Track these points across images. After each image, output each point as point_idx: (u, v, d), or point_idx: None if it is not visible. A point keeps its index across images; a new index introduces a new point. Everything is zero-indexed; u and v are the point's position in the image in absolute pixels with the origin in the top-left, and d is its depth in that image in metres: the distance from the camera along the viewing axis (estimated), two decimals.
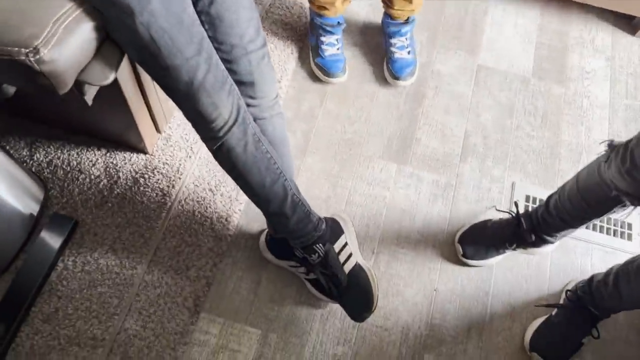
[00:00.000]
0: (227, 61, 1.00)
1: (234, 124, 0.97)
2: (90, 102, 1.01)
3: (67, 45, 0.88)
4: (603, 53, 1.72)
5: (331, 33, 1.52)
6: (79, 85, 0.96)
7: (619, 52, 1.72)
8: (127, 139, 1.34)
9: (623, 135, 1.54)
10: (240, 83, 1.02)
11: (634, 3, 1.63)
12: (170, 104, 1.37)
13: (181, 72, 0.91)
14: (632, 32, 1.75)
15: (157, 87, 1.24)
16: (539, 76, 1.65)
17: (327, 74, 1.53)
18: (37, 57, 0.84)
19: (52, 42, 0.86)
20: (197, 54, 0.92)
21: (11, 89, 1.00)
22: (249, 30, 1.02)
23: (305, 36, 1.62)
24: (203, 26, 0.97)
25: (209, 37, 0.98)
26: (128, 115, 1.22)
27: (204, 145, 1.39)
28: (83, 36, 0.91)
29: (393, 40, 1.54)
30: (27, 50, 0.84)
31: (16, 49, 0.83)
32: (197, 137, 1.39)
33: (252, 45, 1.02)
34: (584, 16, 1.78)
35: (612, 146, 0.97)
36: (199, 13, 0.97)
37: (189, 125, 1.40)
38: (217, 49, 0.99)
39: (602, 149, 1.01)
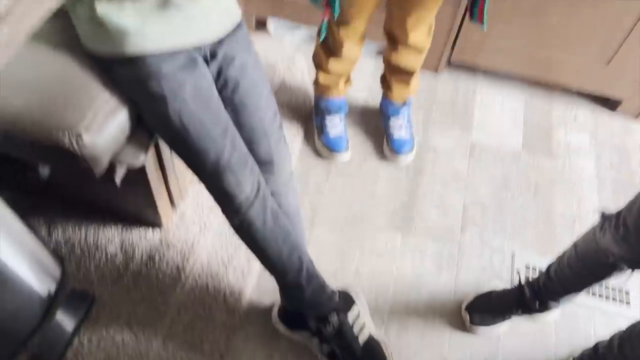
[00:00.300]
0: (247, 142, 1.09)
1: (254, 199, 1.04)
2: (119, 183, 1.08)
3: (105, 131, 0.96)
4: (586, 129, 1.85)
5: (334, 114, 1.63)
6: (111, 166, 1.04)
7: (600, 127, 1.85)
8: (144, 216, 1.40)
9: (612, 205, 1.63)
10: (259, 161, 1.10)
11: (610, 86, 1.79)
12: (186, 179, 1.45)
13: (209, 153, 0.99)
14: (612, 108, 1.89)
15: (175, 163, 1.32)
16: (529, 151, 1.76)
17: (332, 152, 1.62)
18: (80, 142, 0.92)
19: (93, 128, 0.94)
20: (223, 136, 1.01)
21: (47, 171, 1.07)
22: (267, 114, 1.12)
23: (310, 117, 1.73)
24: (226, 111, 1.06)
25: (232, 120, 1.07)
26: (148, 193, 1.28)
27: (216, 219, 1.47)
28: (119, 122, 0.99)
29: (392, 120, 1.65)
30: (71, 136, 0.92)
31: (60, 134, 0.91)
32: (210, 211, 1.48)
33: (271, 127, 1.12)
34: (565, 96, 1.92)
35: (605, 216, 1.05)
36: (223, 100, 1.07)
37: (202, 200, 1.49)
38: (239, 131, 1.08)
39: (595, 218, 1.08)
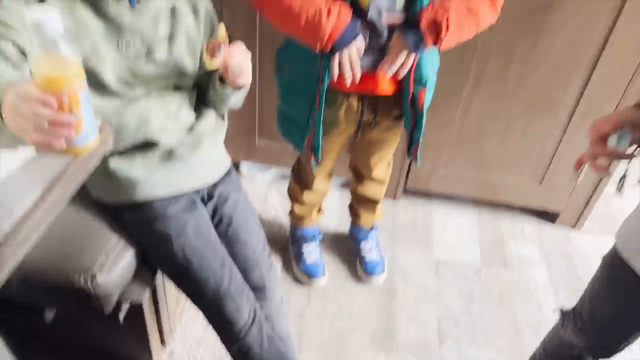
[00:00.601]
0: (242, 270, 1.20)
1: (252, 325, 1.13)
2: (122, 320, 1.15)
3: (115, 270, 1.06)
4: (533, 241, 2.06)
5: (310, 242, 1.78)
6: (117, 304, 1.11)
7: (546, 238, 2.07)
8: (134, 356, 1.42)
9: (569, 305, 1.78)
10: (253, 288, 1.20)
11: (547, 202, 2.05)
12: (176, 315, 1.51)
13: (209, 282, 1.10)
14: (552, 220, 2.13)
15: (168, 300, 1.40)
16: (487, 265, 1.93)
17: (310, 278, 1.74)
18: (95, 282, 1.01)
19: (105, 268, 1.04)
20: (222, 266, 1.12)
21: (51, 315, 1.13)
22: (258, 245, 1.25)
23: (286, 247, 1.87)
24: (222, 244, 1.19)
25: (227, 252, 1.19)
26: (142, 332, 1.33)
27: (205, 353, 1.50)
28: (126, 262, 1.10)
29: (362, 244, 1.81)
30: (86, 277, 1.01)
31: (76, 276, 1.01)
32: (199, 345, 1.52)
33: (262, 256, 1.24)
34: (511, 212, 2.16)
35: (563, 312, 1.19)
36: (219, 234, 1.20)
37: (190, 335, 1.54)
38: (234, 261, 1.19)
39: (556, 316, 1.22)
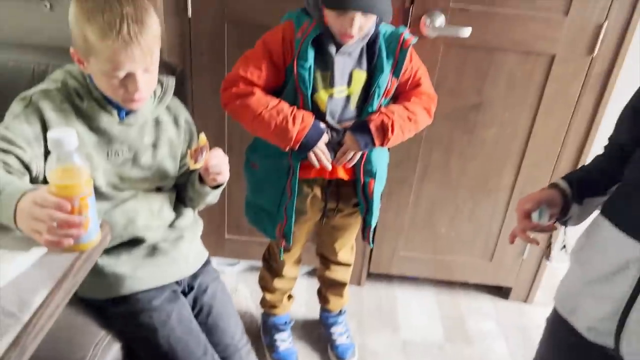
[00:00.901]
0: (222, 358, 1.26)
1: None
2: None
3: None
4: (490, 316, 2.19)
5: (282, 330, 1.84)
6: None
7: (501, 314, 2.21)
8: None
9: None
10: None
11: (498, 278, 2.21)
12: None
13: None
14: (506, 295, 2.28)
15: None
16: (450, 341, 2.04)
17: None
18: None
19: None
20: (205, 354, 1.19)
21: None
22: (237, 332, 1.33)
23: (258, 338, 1.92)
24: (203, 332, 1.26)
25: (208, 340, 1.26)
26: None
27: None
28: (113, 355, 1.15)
29: (332, 329, 1.89)
30: None
31: None
32: None
33: (240, 343, 1.32)
34: (467, 289, 2.30)
35: None
36: (199, 323, 1.28)
37: None
38: (214, 348, 1.26)
39: None
